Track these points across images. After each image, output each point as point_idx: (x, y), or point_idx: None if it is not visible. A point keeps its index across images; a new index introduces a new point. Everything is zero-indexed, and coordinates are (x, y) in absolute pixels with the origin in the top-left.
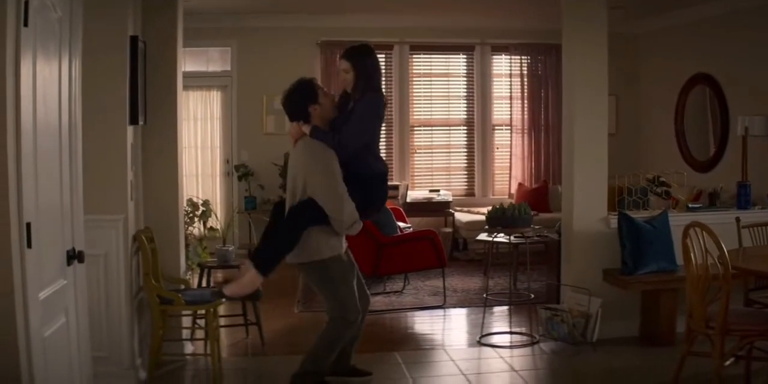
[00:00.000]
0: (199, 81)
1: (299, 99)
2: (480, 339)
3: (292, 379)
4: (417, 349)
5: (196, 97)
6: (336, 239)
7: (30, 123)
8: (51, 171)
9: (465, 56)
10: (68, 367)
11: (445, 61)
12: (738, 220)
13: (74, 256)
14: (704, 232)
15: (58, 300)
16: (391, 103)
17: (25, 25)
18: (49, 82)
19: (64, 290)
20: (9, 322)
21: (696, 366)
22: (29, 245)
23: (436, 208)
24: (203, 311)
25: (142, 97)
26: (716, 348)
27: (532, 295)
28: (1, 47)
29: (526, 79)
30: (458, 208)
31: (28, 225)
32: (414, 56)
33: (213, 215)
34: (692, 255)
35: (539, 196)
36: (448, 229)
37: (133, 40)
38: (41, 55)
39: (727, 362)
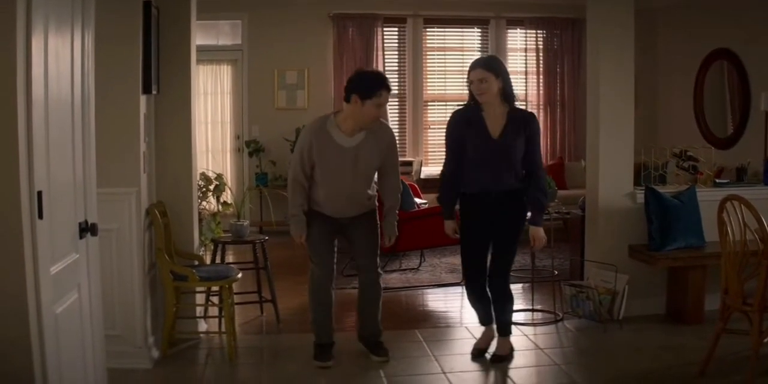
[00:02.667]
0: (209, 55)
1: (356, 83)
2: None
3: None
4: (437, 326)
5: (206, 72)
6: None
7: (42, 91)
8: (63, 141)
9: (480, 30)
10: (81, 346)
11: (460, 35)
12: None
13: (87, 229)
14: (742, 206)
15: (70, 275)
16: (404, 78)
17: None
18: (61, 50)
19: (77, 265)
20: (20, 298)
21: (728, 345)
22: (40, 216)
23: None
24: (217, 288)
25: (155, 66)
26: (755, 325)
27: (556, 272)
28: (11, 13)
29: (541, 54)
30: None
31: (39, 194)
32: (428, 30)
33: (228, 189)
34: (729, 229)
35: (556, 172)
36: None
37: (147, 5)
38: (53, 23)
39: (766, 340)
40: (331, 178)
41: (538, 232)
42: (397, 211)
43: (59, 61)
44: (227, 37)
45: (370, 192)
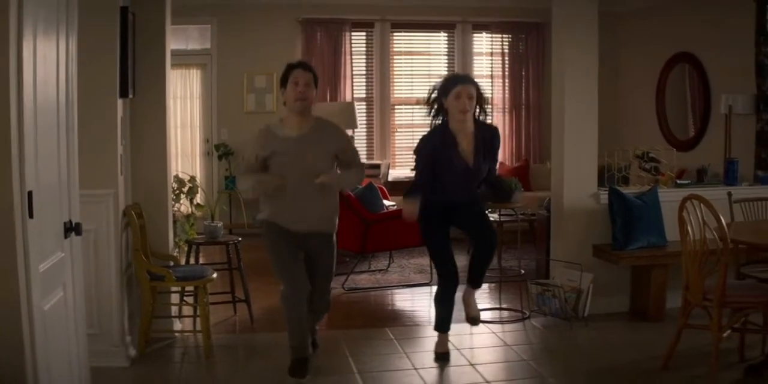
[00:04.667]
0: (178, 59)
1: (280, 79)
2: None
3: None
4: (407, 325)
5: (175, 76)
6: None
7: (31, 95)
8: (49, 143)
9: (446, 34)
10: (66, 343)
11: (426, 40)
12: (730, 194)
13: (72, 229)
14: (702, 205)
15: (57, 273)
16: (372, 82)
17: None
18: (48, 56)
19: (62, 263)
20: (12, 294)
21: (690, 340)
22: (31, 215)
23: None
24: (191, 288)
25: (131, 70)
26: (714, 320)
27: (523, 271)
28: (4, 20)
29: (507, 58)
30: None
31: (30, 194)
32: (395, 34)
33: (201, 191)
34: (689, 228)
35: (521, 174)
36: None
37: (123, 10)
38: (41, 29)
39: (725, 334)
40: (281, 172)
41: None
42: (354, 180)
43: (47, 66)
44: (196, 41)
45: (329, 200)
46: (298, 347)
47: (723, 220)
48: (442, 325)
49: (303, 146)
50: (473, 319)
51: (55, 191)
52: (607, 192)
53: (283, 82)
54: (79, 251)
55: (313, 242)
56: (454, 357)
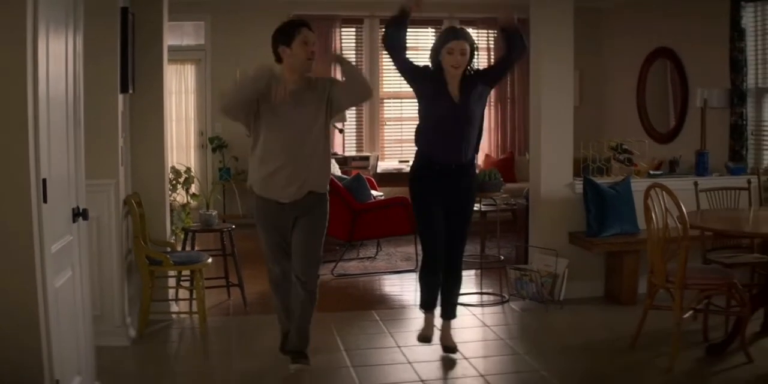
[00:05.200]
0: (173, 55)
1: (276, 36)
2: None
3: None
4: (392, 307)
5: (170, 71)
6: None
7: (44, 90)
8: (60, 135)
9: (434, 30)
10: (75, 320)
11: (415, 35)
12: (696, 184)
13: (79, 214)
14: (664, 193)
15: (66, 254)
16: None
17: None
18: (58, 53)
19: (71, 246)
20: (29, 272)
21: (657, 322)
22: (45, 200)
23: (406, 179)
24: (187, 274)
25: (131, 66)
26: (676, 301)
27: (502, 257)
28: (21, 19)
29: (493, 53)
30: None
31: (44, 181)
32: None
33: (196, 181)
34: (653, 214)
35: (506, 166)
36: None
37: (124, 10)
38: (52, 27)
39: (686, 314)
40: (272, 134)
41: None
42: (359, 73)
43: (57, 64)
44: (191, 37)
45: (320, 161)
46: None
47: (683, 207)
48: (426, 303)
49: (297, 108)
50: (449, 349)
51: (64, 179)
52: (582, 182)
53: (287, 39)
54: (86, 235)
55: (304, 204)
56: (435, 336)
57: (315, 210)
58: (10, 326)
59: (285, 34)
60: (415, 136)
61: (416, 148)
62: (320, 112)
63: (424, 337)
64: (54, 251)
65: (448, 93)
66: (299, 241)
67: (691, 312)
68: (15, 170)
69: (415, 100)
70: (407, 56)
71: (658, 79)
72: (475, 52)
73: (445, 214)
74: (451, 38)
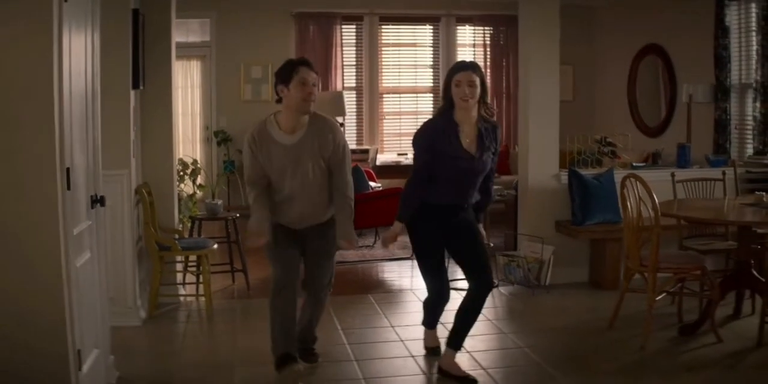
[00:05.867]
0: (179, 51)
1: (276, 75)
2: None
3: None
4: (388, 291)
5: (177, 67)
6: None
7: (68, 86)
8: (80, 128)
9: (431, 27)
10: (93, 298)
11: (413, 32)
12: (673, 175)
13: (97, 201)
14: (638, 183)
15: (86, 237)
16: (361, 72)
17: (65, 0)
18: (79, 51)
19: (90, 230)
20: (55, 252)
21: (636, 305)
22: (69, 187)
23: (404, 171)
24: (194, 259)
25: (141, 64)
26: (649, 283)
27: (492, 244)
28: (47, 23)
29: (488, 49)
30: None
31: (68, 170)
32: (383, 27)
33: (202, 173)
34: (628, 203)
35: (501, 159)
36: None
37: (135, 13)
38: (74, 28)
39: (659, 297)
40: (280, 181)
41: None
42: (350, 212)
43: (78, 61)
44: (197, 34)
45: (324, 196)
46: (279, 340)
47: (655, 196)
48: (429, 324)
49: (298, 156)
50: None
51: (83, 169)
52: (567, 173)
53: (285, 79)
54: (103, 221)
55: (313, 233)
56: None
57: (327, 232)
58: (39, 301)
59: (283, 75)
60: (417, 182)
61: (412, 192)
62: (317, 159)
63: (433, 350)
64: (75, 234)
65: (464, 147)
66: (312, 256)
67: (664, 294)
68: (43, 160)
69: (414, 95)
70: (426, 160)
71: (649, 75)
72: (486, 88)
73: (454, 252)
74: (457, 70)
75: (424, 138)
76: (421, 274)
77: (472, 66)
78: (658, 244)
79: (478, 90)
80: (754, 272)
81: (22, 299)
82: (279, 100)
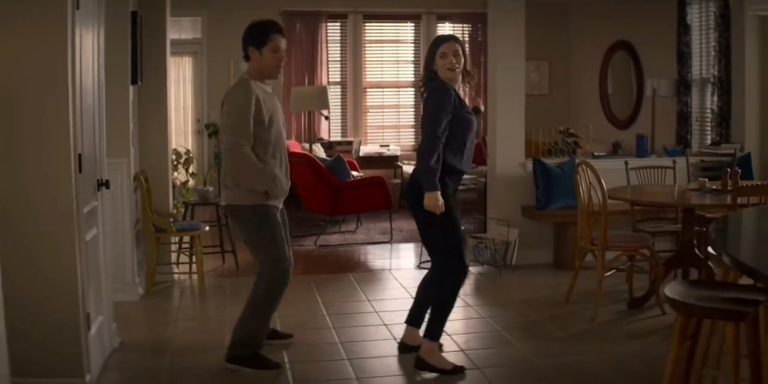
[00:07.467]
0: (172, 48)
1: (247, 35)
2: (419, 264)
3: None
4: (367, 271)
5: (170, 63)
6: None
7: (79, 81)
8: (88, 118)
9: (413, 24)
10: (98, 268)
11: (395, 29)
12: (626, 163)
13: (102, 184)
14: (589, 170)
15: (93, 216)
16: (345, 68)
17: (78, 7)
18: (88, 48)
19: (96, 210)
20: (69, 227)
21: (592, 284)
22: (80, 171)
23: (386, 161)
24: (188, 240)
25: (139, 61)
26: (599, 260)
27: (462, 228)
28: (63, 27)
29: (467, 46)
30: (406, 162)
31: (80, 155)
32: (367, 24)
33: (195, 162)
34: (581, 188)
35: (477, 150)
36: (397, 180)
37: (133, 14)
38: (85, 27)
39: (608, 273)
40: (278, 139)
41: None
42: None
43: (87, 58)
44: (188, 31)
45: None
46: (261, 333)
47: (603, 182)
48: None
49: (276, 104)
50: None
51: (91, 154)
52: (532, 161)
53: (258, 42)
54: (107, 202)
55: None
56: (397, 291)
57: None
58: (54, 269)
59: (257, 37)
60: (437, 149)
61: (440, 164)
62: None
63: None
64: (85, 212)
65: (468, 109)
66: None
67: (614, 271)
68: (59, 146)
69: (396, 90)
70: (447, 123)
71: (620, 70)
72: (467, 56)
73: None
74: (441, 42)
75: (447, 99)
76: (450, 254)
77: (453, 37)
78: (605, 225)
79: (462, 58)
80: (697, 251)
81: (41, 266)
82: (246, 57)
